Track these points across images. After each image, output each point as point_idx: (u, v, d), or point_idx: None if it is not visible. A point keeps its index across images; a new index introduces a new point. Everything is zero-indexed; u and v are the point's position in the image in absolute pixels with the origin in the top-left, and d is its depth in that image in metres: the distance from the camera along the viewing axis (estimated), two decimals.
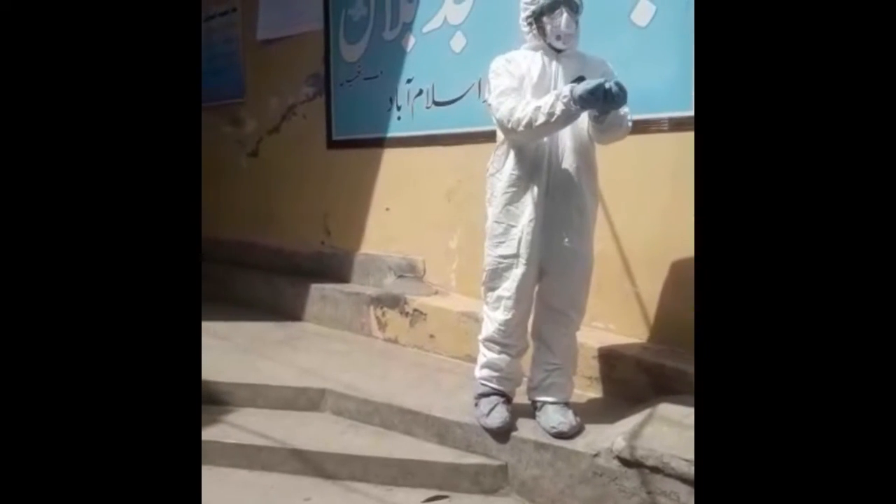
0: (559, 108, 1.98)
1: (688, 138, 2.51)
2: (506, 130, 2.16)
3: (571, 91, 1.96)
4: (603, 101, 1.96)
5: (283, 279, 4.14)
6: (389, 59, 3.70)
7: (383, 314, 3.47)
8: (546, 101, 2.01)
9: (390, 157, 3.76)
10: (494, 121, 2.21)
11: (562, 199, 2.21)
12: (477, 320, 2.50)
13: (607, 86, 1.92)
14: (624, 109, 2.10)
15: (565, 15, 2.13)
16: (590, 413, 2.32)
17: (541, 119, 2.01)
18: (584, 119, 2.19)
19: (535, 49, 2.22)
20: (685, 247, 2.53)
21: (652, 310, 2.64)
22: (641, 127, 2.57)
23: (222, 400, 2.80)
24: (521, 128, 2.06)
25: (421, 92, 3.55)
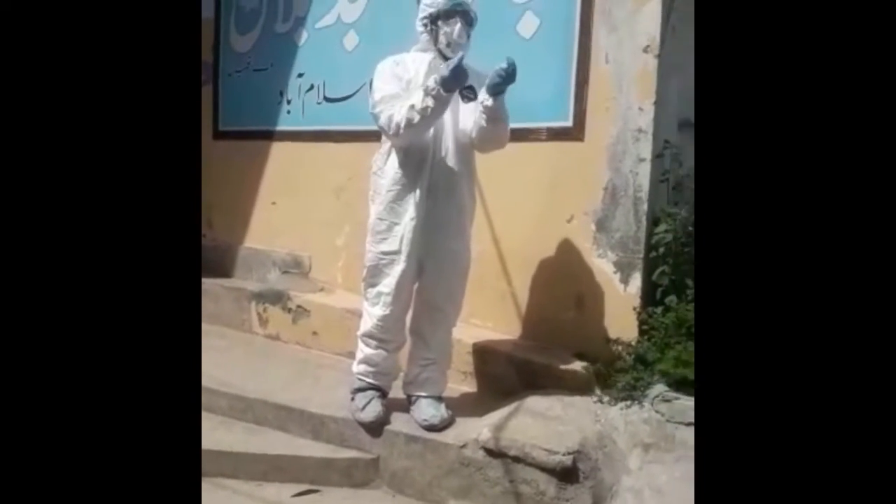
0: (429, 101, 2.06)
1: (564, 147, 2.67)
2: (389, 137, 2.22)
3: (436, 80, 2.05)
4: (498, 81, 2.07)
5: None
6: (281, 52, 3.64)
7: (265, 310, 3.40)
8: (417, 99, 2.08)
9: (278, 150, 3.70)
10: (378, 127, 2.26)
11: (443, 199, 2.27)
12: (361, 317, 2.52)
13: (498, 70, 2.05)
14: (506, 108, 2.19)
15: (459, 24, 2.21)
16: (462, 406, 2.40)
17: (417, 117, 2.08)
18: (465, 123, 2.28)
19: (426, 51, 2.28)
20: (557, 250, 2.69)
21: (524, 308, 2.77)
22: (521, 135, 2.68)
23: None
24: (401, 131, 2.12)
25: (312, 87, 3.53)
